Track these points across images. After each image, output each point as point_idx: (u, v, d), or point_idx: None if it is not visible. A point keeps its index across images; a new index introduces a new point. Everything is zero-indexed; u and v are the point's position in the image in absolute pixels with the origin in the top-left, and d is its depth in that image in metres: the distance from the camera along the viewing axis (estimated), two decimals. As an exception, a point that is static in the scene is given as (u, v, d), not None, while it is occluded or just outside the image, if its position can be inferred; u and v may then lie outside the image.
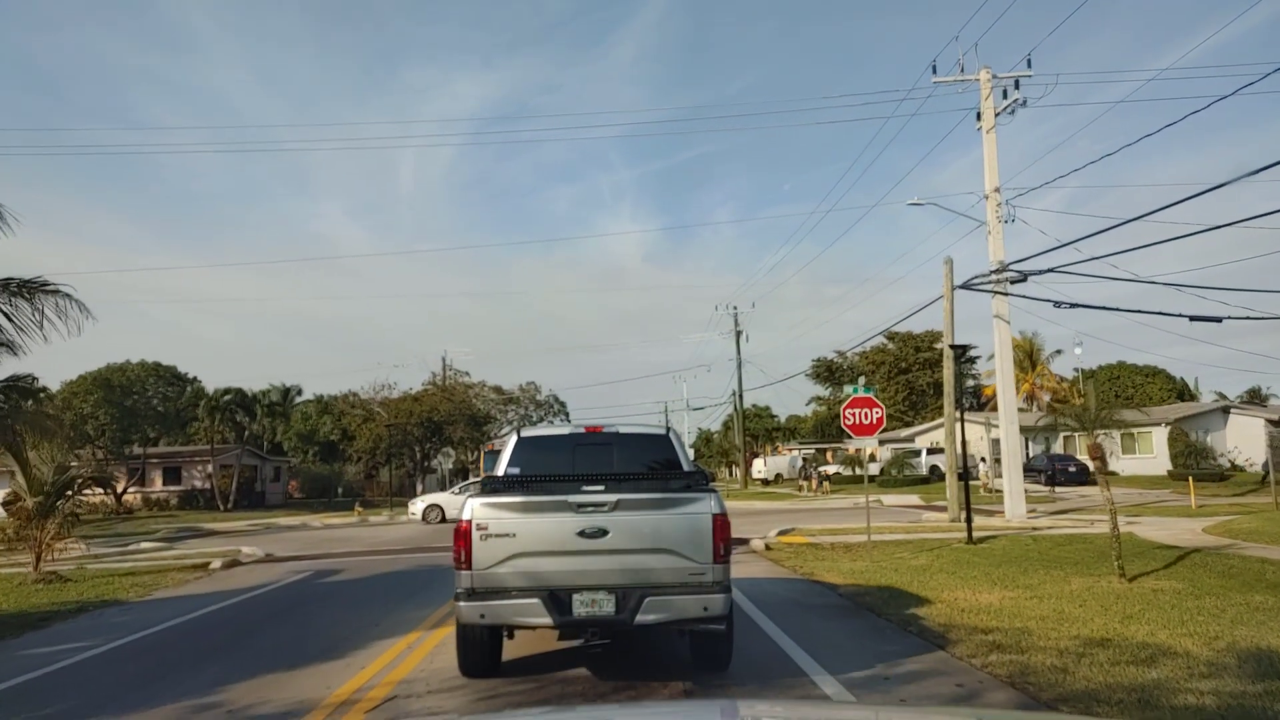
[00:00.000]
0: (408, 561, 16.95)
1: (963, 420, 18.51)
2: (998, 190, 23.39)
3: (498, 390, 63.41)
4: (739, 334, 60.15)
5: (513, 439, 8.01)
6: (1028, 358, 73.09)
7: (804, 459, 66.72)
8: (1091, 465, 12.37)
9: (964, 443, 18.12)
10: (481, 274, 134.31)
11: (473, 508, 6.44)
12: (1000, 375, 23.60)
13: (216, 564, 17.06)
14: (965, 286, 23.27)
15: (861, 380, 15.64)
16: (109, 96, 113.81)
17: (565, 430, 8.48)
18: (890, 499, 36.10)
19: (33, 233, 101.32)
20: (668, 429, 8.35)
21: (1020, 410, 63.19)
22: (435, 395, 51.34)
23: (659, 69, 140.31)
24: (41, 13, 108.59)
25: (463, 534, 6.39)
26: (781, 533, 20.17)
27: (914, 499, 35.82)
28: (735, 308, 60.80)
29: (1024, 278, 20.09)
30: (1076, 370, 74.72)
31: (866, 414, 15.72)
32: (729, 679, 6.86)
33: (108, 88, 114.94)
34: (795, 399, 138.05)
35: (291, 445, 59.83)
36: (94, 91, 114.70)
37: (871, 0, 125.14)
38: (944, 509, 28.74)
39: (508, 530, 6.36)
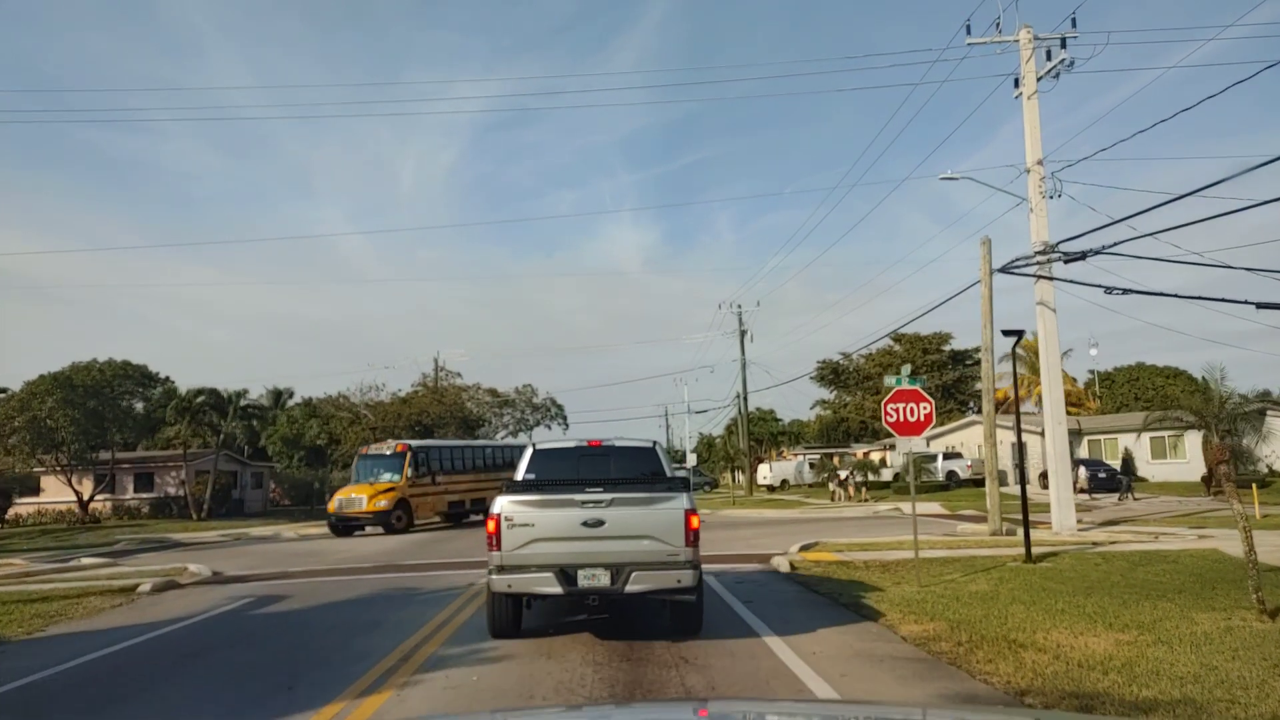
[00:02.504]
0: (371, 584, 14.42)
1: (1019, 424, 16.00)
2: (1040, 162, 20.92)
3: (493, 393, 60.95)
4: (743, 333, 57.71)
5: (529, 451, 9.93)
6: (1037, 359, 70.84)
7: (812, 463, 64.10)
8: (1217, 471, 9.84)
9: (1021, 445, 15.58)
10: (481, 278, 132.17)
11: (502, 503, 8.13)
12: (1046, 370, 21.08)
13: (146, 587, 14.52)
14: (1006, 270, 20.76)
15: (907, 369, 13.22)
16: (102, 95, 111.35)
17: (571, 444, 10.17)
18: (909, 507, 33.56)
19: (32, 232, 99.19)
20: (654, 444, 10.12)
21: (1028, 414, 60.27)
22: (425, 397, 48.82)
23: (661, 73, 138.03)
24: (43, 13, 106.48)
25: (494, 524, 8.04)
26: (804, 548, 17.65)
27: (936, 507, 33.27)
28: (739, 306, 58.42)
29: (1082, 256, 17.58)
30: (1091, 373, 72.19)
31: (912, 410, 13.22)
32: (700, 638, 8.65)
33: (101, 86, 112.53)
34: (799, 404, 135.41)
35: (276, 450, 57.13)
36: (88, 89, 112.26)
37: (877, 3, 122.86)
38: (976, 519, 26.20)
39: (528, 521, 8.02)
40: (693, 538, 8.07)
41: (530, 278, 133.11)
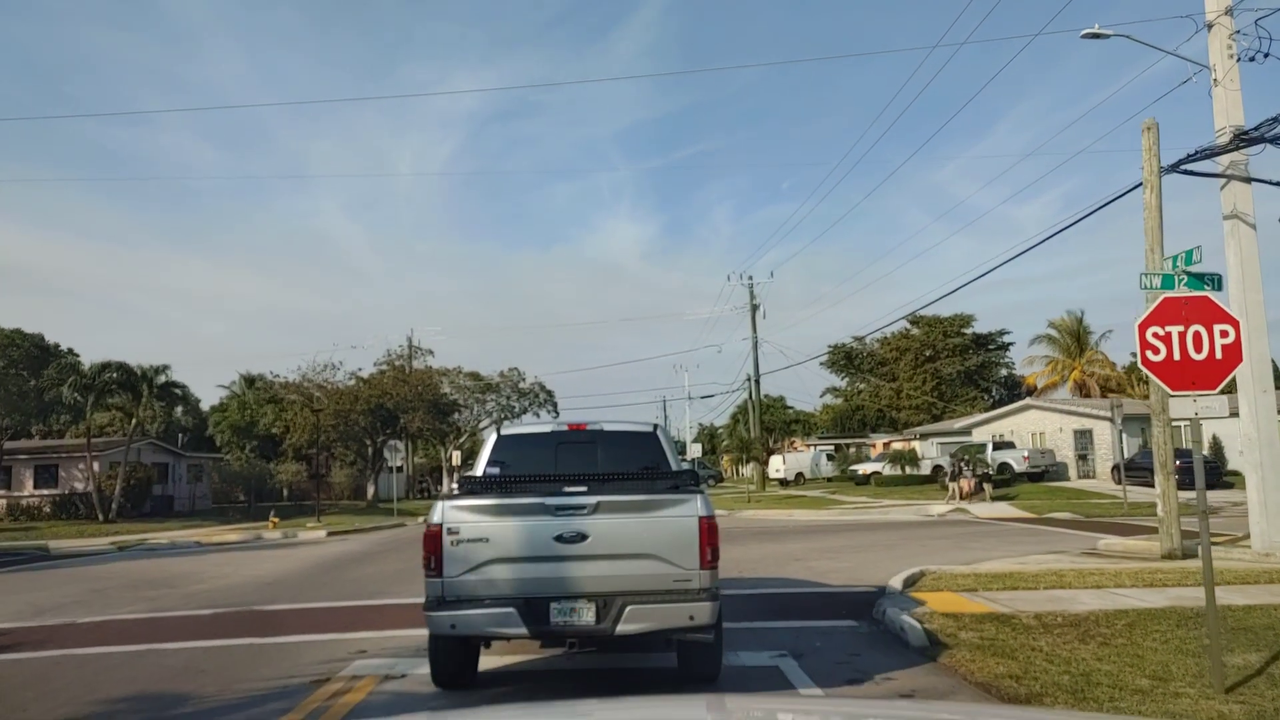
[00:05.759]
0: (141, 671, 7.80)
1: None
2: (1229, 12, 14.32)
3: (474, 376, 54.52)
4: (755, 307, 51.04)
5: (492, 437, 7.75)
6: (1074, 340, 64.12)
7: (829, 455, 57.41)
8: None
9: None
10: (477, 270, 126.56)
11: (444, 510, 6.05)
12: (1244, 312, 14.32)
13: None
14: (1178, 168, 14.23)
15: (1187, 256, 7.03)
16: (93, 86, 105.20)
17: (547, 428, 8.22)
18: (976, 508, 27.06)
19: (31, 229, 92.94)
20: (654, 426, 7.97)
21: (1063, 400, 53.36)
22: (388, 377, 42.07)
23: (659, 65, 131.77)
24: (41, 5, 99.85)
25: (433, 538, 5.99)
26: (910, 582, 11.08)
27: (1006, 508, 26.82)
28: (750, 277, 51.69)
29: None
30: (1135, 354, 65.75)
31: (1198, 338, 6.63)
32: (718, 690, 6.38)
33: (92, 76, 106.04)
34: (807, 396, 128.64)
35: (225, 439, 50.51)
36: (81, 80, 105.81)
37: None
38: (1087, 526, 19.73)
39: (481, 534, 5.99)
40: (710, 556, 5.95)
41: (526, 270, 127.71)
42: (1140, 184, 14.42)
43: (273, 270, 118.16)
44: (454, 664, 6.51)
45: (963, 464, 30.62)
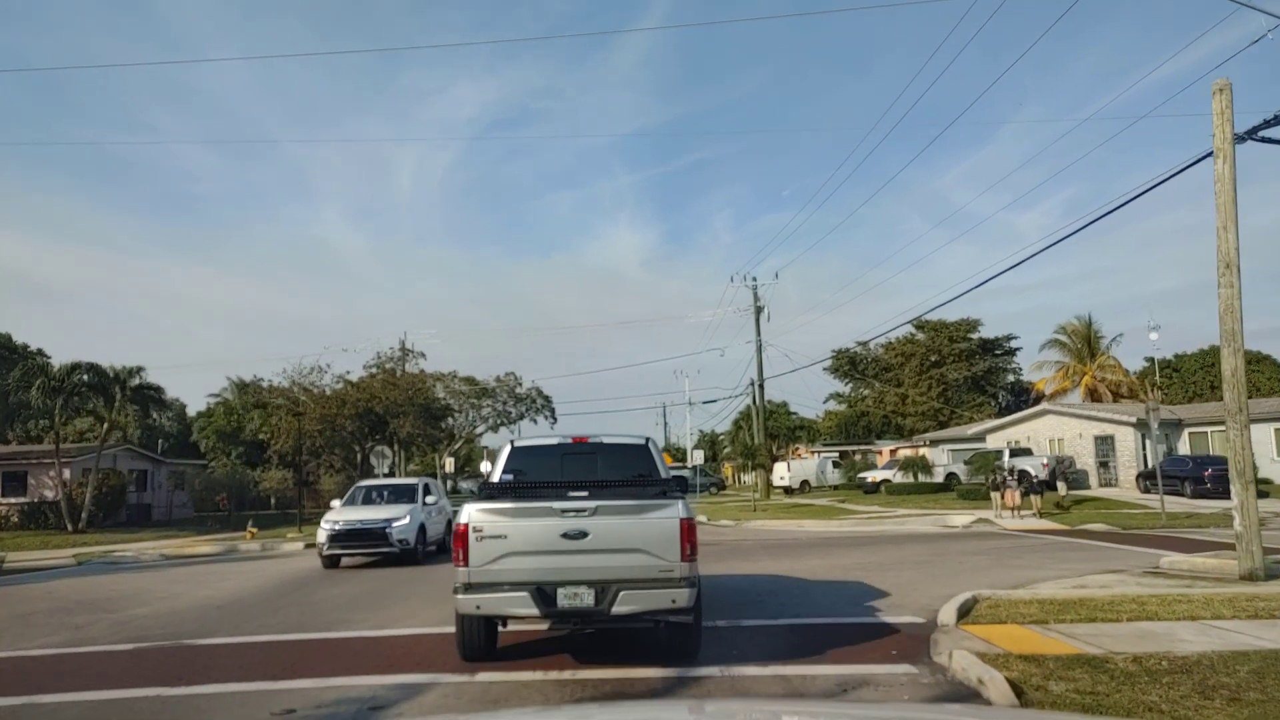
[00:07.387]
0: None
1: None
2: (1312, -40, 12.64)
3: (470, 381, 52.80)
4: (759, 310, 49.27)
5: (507, 448, 9.05)
6: (1085, 344, 62.21)
7: (835, 462, 55.63)
8: None
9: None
10: (478, 277, 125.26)
11: (470, 513, 7.13)
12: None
13: None
14: (1255, 134, 12.56)
15: None
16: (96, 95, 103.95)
17: (554, 440, 9.18)
18: (1003, 520, 25.28)
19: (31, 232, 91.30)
20: (646, 440, 9.19)
21: (1072, 404, 51.46)
22: (377, 381, 40.28)
23: (659, 75, 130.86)
24: (43, 13, 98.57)
25: (461, 536, 7.07)
26: (964, 613, 9.34)
27: (1032, 519, 25.04)
28: (755, 279, 49.92)
29: None
30: (1149, 360, 63.93)
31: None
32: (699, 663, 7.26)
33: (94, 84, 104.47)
34: (811, 402, 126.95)
35: (210, 445, 48.72)
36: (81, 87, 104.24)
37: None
38: (1124, 540, 17.97)
39: (500, 532, 7.08)
40: (689, 551, 7.12)
41: (527, 278, 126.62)
42: (1210, 154, 12.71)
43: (273, 277, 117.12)
44: (477, 639, 7.54)
45: (1007, 473, 28.04)
